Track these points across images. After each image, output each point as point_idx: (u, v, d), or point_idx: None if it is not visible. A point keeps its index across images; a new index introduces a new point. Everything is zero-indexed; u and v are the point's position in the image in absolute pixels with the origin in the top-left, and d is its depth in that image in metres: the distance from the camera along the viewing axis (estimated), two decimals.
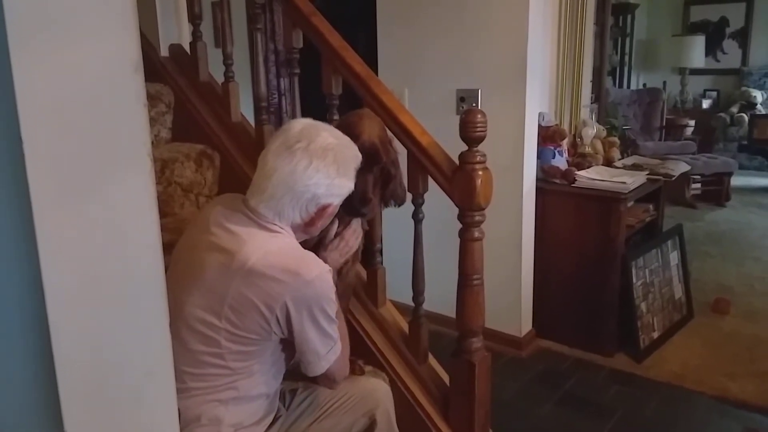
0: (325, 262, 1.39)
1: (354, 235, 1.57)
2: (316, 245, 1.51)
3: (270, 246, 1.28)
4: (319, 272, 1.28)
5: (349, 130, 1.47)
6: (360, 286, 2.00)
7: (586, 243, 2.77)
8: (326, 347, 1.34)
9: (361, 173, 1.45)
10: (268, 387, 1.38)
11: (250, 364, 1.31)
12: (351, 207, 1.47)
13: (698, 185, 5.48)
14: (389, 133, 1.66)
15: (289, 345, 1.36)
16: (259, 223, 1.30)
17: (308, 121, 1.38)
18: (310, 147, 1.29)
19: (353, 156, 1.37)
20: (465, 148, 1.62)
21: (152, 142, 0.86)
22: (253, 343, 1.29)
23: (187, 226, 1.48)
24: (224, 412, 1.31)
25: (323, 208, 1.33)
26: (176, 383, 1.30)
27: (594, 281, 2.77)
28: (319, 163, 1.28)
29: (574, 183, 2.78)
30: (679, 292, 3.11)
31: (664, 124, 6.07)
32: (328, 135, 1.33)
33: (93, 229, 0.66)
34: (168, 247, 1.32)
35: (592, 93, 3.70)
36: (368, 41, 3.03)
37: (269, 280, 1.24)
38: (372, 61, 2.61)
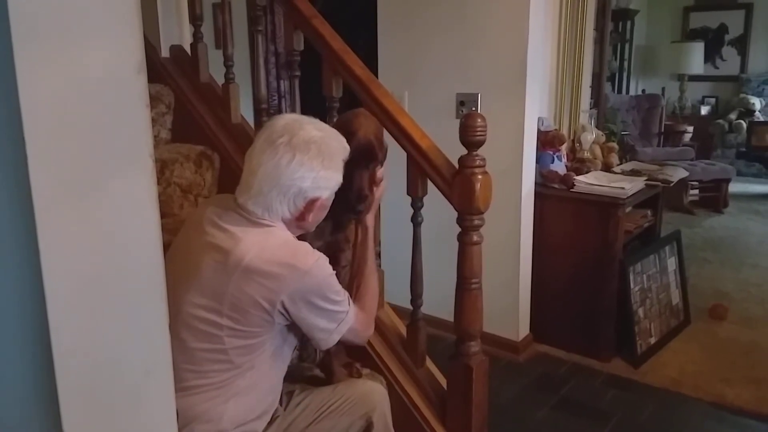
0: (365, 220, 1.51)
1: (380, 189, 1.58)
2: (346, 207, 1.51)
3: (265, 242, 1.28)
4: (314, 261, 1.30)
5: (345, 127, 1.48)
6: None
7: (584, 248, 2.77)
8: (335, 322, 1.36)
9: (357, 170, 1.45)
10: (269, 380, 1.39)
11: (253, 356, 1.32)
12: (347, 204, 1.47)
13: (696, 191, 5.49)
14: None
15: (292, 331, 1.38)
16: (251, 220, 1.31)
17: (293, 116, 1.39)
18: (293, 141, 1.29)
19: (339, 148, 1.36)
20: (464, 151, 1.62)
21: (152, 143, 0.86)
22: (256, 335, 1.30)
23: (181, 227, 1.49)
24: (226, 409, 1.31)
25: (312, 202, 1.33)
26: (177, 382, 1.31)
27: (592, 286, 2.77)
28: (302, 156, 1.28)
29: (572, 188, 2.79)
30: (676, 297, 3.12)
31: (663, 130, 6.08)
32: (311, 128, 1.33)
33: (94, 228, 0.66)
34: (167, 248, 1.32)
35: (591, 98, 3.71)
36: (369, 44, 3.03)
37: (267, 275, 1.25)
38: (372, 64, 2.61)
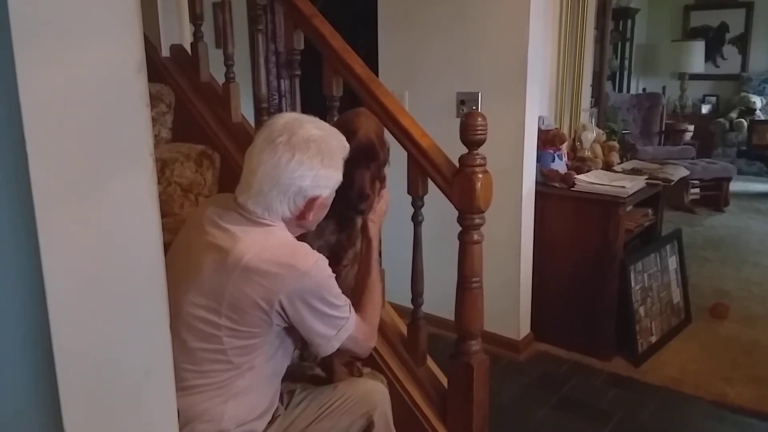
0: (370, 225, 1.51)
1: (383, 201, 1.59)
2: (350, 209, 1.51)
3: (264, 241, 1.28)
4: (314, 262, 1.29)
5: (345, 126, 1.48)
6: None
7: (585, 247, 2.77)
8: (334, 329, 1.35)
9: (359, 169, 1.45)
10: (269, 380, 1.38)
11: (252, 357, 1.32)
12: (349, 203, 1.47)
13: (697, 190, 5.49)
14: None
15: (290, 334, 1.37)
16: (251, 220, 1.31)
17: (292, 114, 1.39)
18: (292, 140, 1.28)
19: (339, 146, 1.36)
20: (465, 150, 1.62)
21: (153, 142, 0.86)
22: (255, 336, 1.30)
23: (182, 226, 1.49)
24: (226, 408, 1.31)
25: (312, 201, 1.32)
26: (177, 382, 1.31)
27: (592, 285, 2.77)
28: (301, 155, 1.28)
29: (573, 187, 2.79)
30: (677, 296, 3.12)
31: (664, 128, 6.08)
32: (311, 127, 1.32)
33: (94, 228, 0.66)
34: (168, 247, 1.32)
35: (591, 97, 3.71)
36: (369, 43, 3.03)
37: (266, 275, 1.25)
38: (373, 64, 2.61)
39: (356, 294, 1.52)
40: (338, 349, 1.39)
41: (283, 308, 1.27)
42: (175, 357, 1.29)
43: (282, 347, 1.39)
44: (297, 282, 1.26)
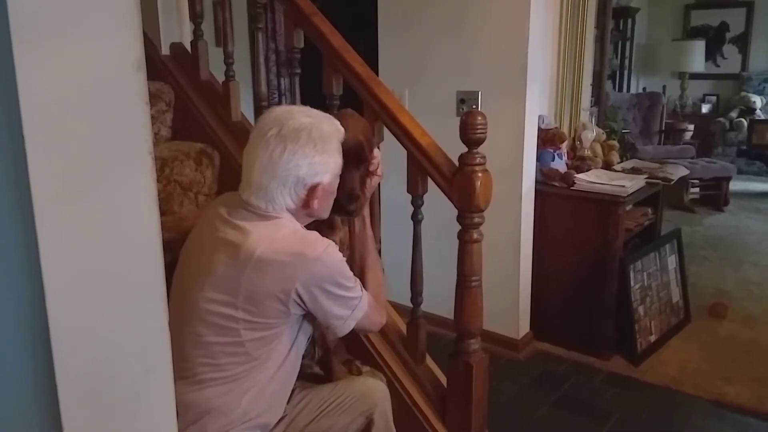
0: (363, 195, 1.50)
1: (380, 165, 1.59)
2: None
3: (274, 233, 1.30)
4: (324, 248, 1.31)
5: None
6: None
7: (585, 246, 2.77)
8: (349, 309, 1.37)
9: (348, 170, 1.45)
10: (285, 372, 1.39)
11: (269, 349, 1.33)
12: (338, 205, 1.47)
13: (697, 189, 5.49)
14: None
15: (306, 320, 1.39)
16: (258, 214, 1.33)
17: (283, 107, 1.40)
18: (282, 131, 1.30)
19: (331, 130, 1.36)
20: (465, 149, 1.62)
21: (152, 141, 0.86)
22: (272, 327, 1.32)
23: (193, 226, 1.50)
24: (241, 401, 1.32)
25: (313, 188, 1.33)
26: (193, 376, 1.33)
27: (592, 284, 2.77)
28: (293, 145, 1.29)
29: (573, 186, 2.79)
30: (676, 295, 3.12)
31: (664, 128, 6.08)
32: (301, 116, 1.34)
33: (94, 226, 0.66)
34: (167, 246, 1.32)
35: (592, 96, 3.71)
36: (369, 42, 3.03)
37: (279, 266, 1.27)
38: (373, 62, 2.61)
39: (357, 274, 1.53)
40: (339, 346, 1.40)
41: (299, 296, 1.29)
42: (192, 351, 1.31)
43: (300, 333, 1.40)
44: (310, 269, 1.28)
